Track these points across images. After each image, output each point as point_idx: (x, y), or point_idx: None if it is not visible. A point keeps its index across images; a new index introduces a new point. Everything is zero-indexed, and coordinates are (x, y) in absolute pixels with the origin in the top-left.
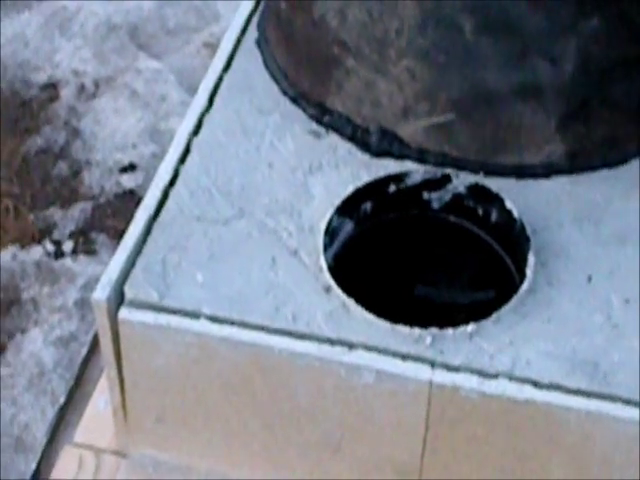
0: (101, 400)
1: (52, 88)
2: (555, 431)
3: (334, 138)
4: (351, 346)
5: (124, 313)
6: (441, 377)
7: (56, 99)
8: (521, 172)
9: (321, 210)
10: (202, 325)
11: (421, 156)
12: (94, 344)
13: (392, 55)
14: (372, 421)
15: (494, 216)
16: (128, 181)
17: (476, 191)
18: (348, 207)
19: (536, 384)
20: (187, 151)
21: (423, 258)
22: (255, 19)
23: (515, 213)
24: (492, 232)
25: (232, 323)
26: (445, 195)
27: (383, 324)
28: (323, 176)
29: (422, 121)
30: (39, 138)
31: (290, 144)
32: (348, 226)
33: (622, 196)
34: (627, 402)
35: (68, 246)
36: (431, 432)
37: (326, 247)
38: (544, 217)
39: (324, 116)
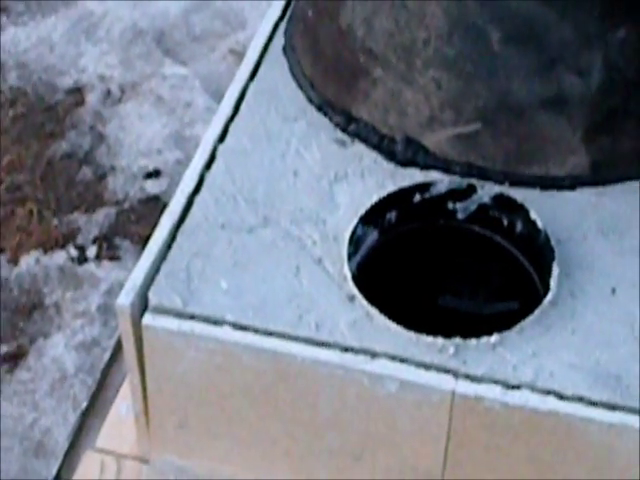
0: (123, 406)
1: (77, 93)
2: (577, 443)
3: (360, 147)
4: (374, 355)
5: (148, 319)
6: (464, 387)
7: (81, 104)
8: (546, 183)
9: (346, 219)
10: (225, 332)
11: (446, 166)
12: (116, 350)
13: (419, 64)
14: (394, 430)
15: (519, 227)
16: (152, 187)
17: (501, 202)
18: (373, 216)
19: (559, 395)
20: (212, 158)
21: (447, 268)
22: (282, 26)
23: (540, 224)
24: (516, 243)
25: (255, 331)
26: (470, 205)
27: (406, 334)
28: (348, 185)
29: (448, 131)
30: (64, 143)
31: (315, 152)
32: (372, 235)
33: None
34: None
35: (92, 251)
36: (453, 442)
37: (350, 256)
38: (568, 228)
39: (350, 125)
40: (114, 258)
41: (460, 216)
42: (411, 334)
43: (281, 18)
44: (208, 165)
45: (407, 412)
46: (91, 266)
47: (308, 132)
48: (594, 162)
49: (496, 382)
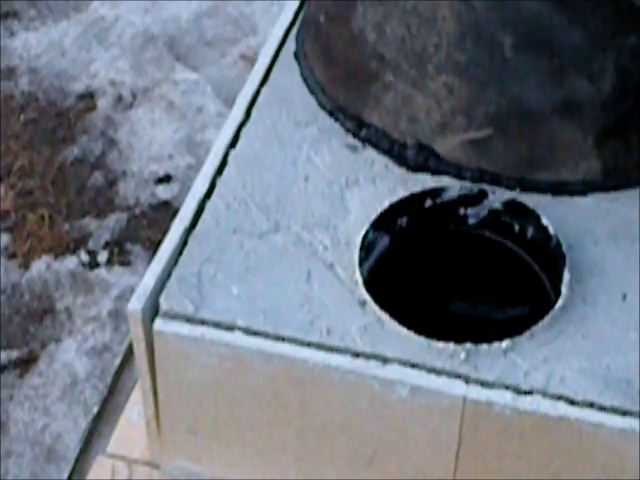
0: (134, 411)
1: (89, 98)
2: (588, 448)
3: (371, 152)
4: (385, 360)
5: (159, 324)
6: (475, 393)
7: (93, 109)
8: (558, 189)
9: (357, 224)
10: (236, 337)
11: (458, 171)
12: (127, 355)
13: (430, 70)
14: (405, 436)
15: (530, 232)
16: (163, 192)
17: (512, 207)
18: (384, 221)
19: (570, 401)
20: (224, 163)
21: (458, 273)
22: (293, 32)
23: (551, 229)
24: (528, 248)
25: (266, 336)
26: (481, 211)
27: (418, 339)
28: (359, 190)
29: (459, 136)
30: (75, 148)
31: (327, 157)
32: (384, 240)
33: None
34: None
35: (103, 256)
36: (464, 447)
37: (362, 261)
38: (580, 234)
39: (361, 130)
40: (125, 263)
41: (471, 221)
42: (422, 339)
43: (292, 23)
44: (219, 170)
45: (418, 417)
46: (102, 271)
47: (319, 137)
48: (606, 167)
49: (507, 387)
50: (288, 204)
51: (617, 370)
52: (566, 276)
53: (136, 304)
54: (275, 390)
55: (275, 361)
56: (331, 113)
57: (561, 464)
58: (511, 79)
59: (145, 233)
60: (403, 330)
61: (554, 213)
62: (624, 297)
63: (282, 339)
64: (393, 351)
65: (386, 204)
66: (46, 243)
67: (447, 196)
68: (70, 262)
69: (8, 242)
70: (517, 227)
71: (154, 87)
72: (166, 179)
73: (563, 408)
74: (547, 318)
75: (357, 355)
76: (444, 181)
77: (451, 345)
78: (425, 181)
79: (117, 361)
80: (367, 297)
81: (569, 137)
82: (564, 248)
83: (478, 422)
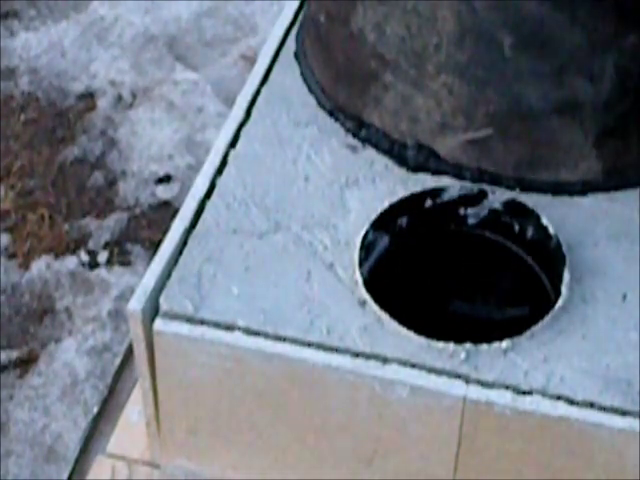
0: (134, 411)
1: (89, 98)
2: (588, 448)
3: (371, 152)
4: (385, 360)
5: (159, 324)
6: (475, 393)
7: (93, 109)
8: (557, 189)
9: (357, 224)
10: (236, 337)
11: (458, 171)
12: (127, 355)
13: (430, 70)
14: (405, 436)
15: (530, 232)
16: (163, 192)
17: (512, 207)
18: (384, 222)
19: (570, 401)
20: (224, 163)
21: (458, 273)
22: (293, 31)
23: (551, 230)
24: (528, 248)
25: (266, 336)
26: (481, 211)
27: (418, 339)
28: (359, 190)
29: (459, 136)
30: (75, 148)
31: (327, 157)
32: (384, 241)
33: None
34: None
35: (103, 256)
36: (464, 447)
37: (362, 261)
38: (580, 234)
39: (361, 130)
40: (125, 263)
41: (471, 221)
42: (422, 339)
43: (292, 23)
44: (219, 170)
45: (418, 417)
46: (102, 271)
47: (319, 137)
48: (606, 167)
49: (507, 387)
50: (288, 204)
51: (617, 370)
52: (566, 276)
53: (136, 304)
54: (275, 390)
55: (275, 361)
56: (331, 113)
57: (561, 464)
58: (511, 79)
59: (145, 233)
60: (403, 330)
61: (554, 213)
62: (624, 297)
63: (282, 339)
64: (393, 351)
65: (386, 204)
66: (46, 243)
67: (447, 196)
68: (70, 262)
69: (8, 242)
70: (517, 227)
71: (154, 87)
72: (166, 179)
73: (563, 408)
74: (547, 318)
75: (357, 355)
76: (444, 181)
77: (451, 345)
78: (425, 181)
79: (117, 361)
80: (367, 297)
81: (569, 137)
82: (564, 248)
83: (478, 422)
